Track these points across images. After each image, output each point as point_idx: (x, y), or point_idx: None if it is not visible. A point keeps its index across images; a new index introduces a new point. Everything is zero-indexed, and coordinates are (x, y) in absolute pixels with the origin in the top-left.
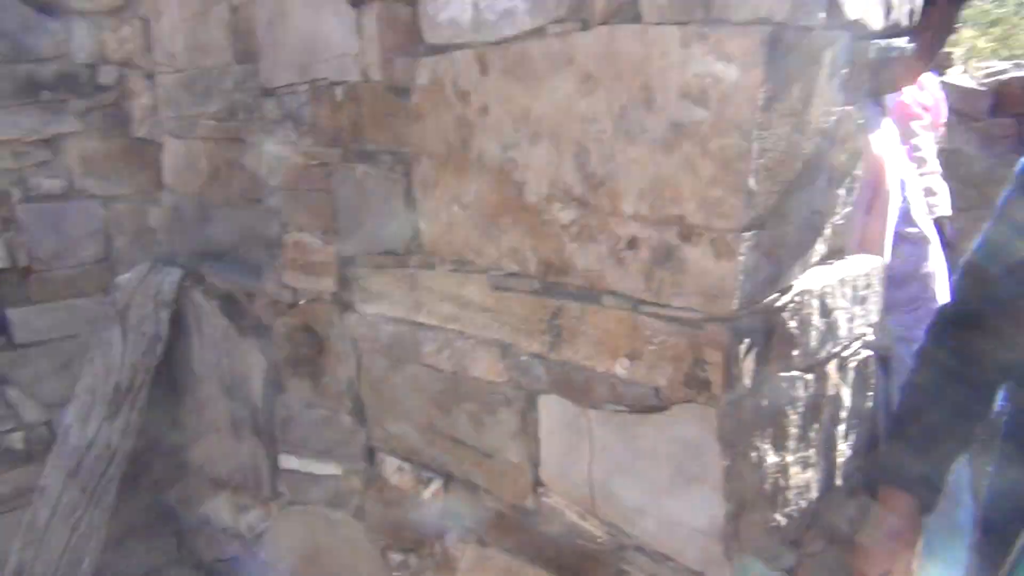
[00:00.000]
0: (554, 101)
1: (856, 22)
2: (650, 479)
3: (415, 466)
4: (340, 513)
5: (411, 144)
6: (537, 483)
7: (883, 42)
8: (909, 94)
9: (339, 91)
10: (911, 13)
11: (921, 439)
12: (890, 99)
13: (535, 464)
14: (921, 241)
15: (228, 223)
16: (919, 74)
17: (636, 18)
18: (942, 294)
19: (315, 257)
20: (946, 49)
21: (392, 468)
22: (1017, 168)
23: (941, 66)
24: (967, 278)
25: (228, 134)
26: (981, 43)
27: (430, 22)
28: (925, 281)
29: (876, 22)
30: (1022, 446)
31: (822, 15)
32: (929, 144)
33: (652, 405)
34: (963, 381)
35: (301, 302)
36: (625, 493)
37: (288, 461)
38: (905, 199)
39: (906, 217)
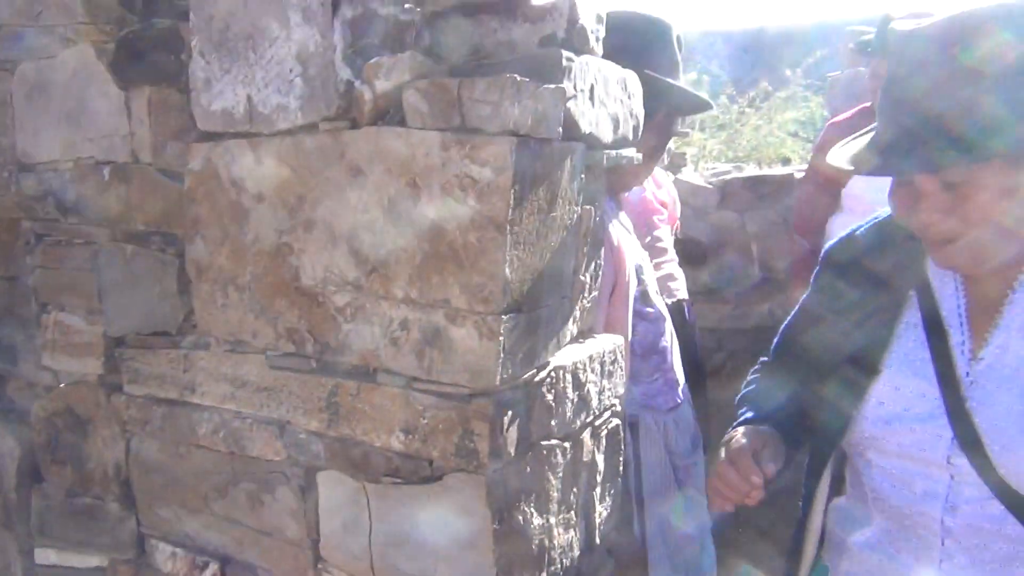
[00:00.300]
0: (328, 191)
1: (590, 135)
2: (427, 547)
3: (189, 551)
4: None
5: (184, 226)
6: (317, 559)
7: (614, 152)
8: (650, 192)
9: (106, 171)
10: (636, 128)
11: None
12: (634, 196)
13: (315, 540)
14: (658, 319)
15: None
16: (646, 176)
17: (402, 122)
18: (678, 366)
19: (79, 338)
20: (681, 151)
21: (165, 555)
22: (823, 251)
23: (676, 165)
24: (784, 339)
25: None
26: (711, 144)
27: (203, 111)
28: (663, 354)
29: (607, 136)
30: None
31: (560, 129)
32: (667, 235)
33: (427, 476)
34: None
35: (63, 384)
36: (404, 563)
37: (45, 555)
38: (642, 282)
39: (643, 298)
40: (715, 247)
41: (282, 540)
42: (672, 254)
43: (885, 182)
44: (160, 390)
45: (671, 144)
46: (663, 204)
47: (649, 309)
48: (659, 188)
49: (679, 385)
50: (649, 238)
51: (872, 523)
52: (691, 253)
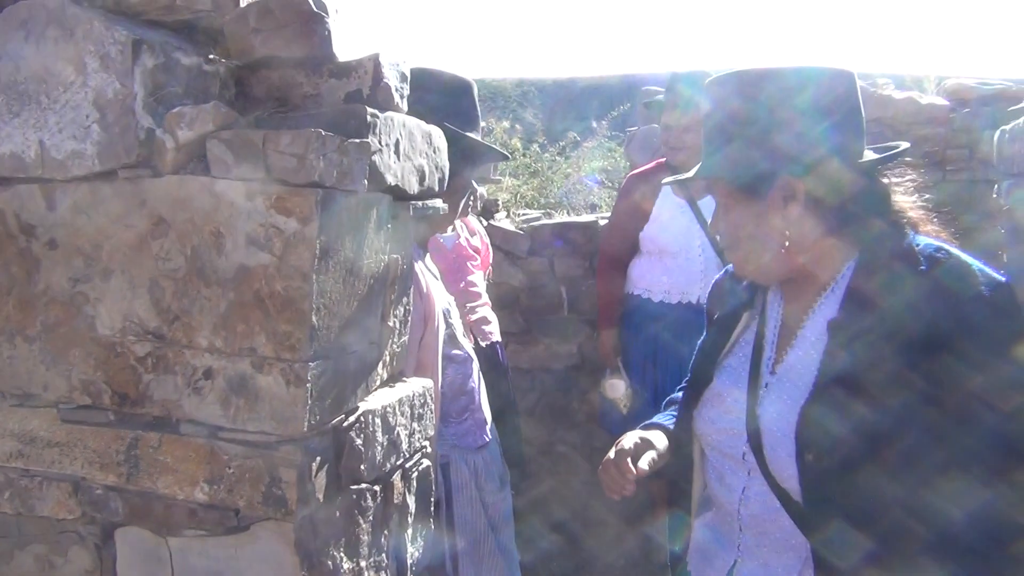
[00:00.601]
0: (127, 240)
1: (396, 187)
2: None
3: None
4: None
5: None
6: None
7: (420, 202)
8: (463, 238)
9: None
10: (441, 180)
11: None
12: (448, 243)
13: None
14: (466, 361)
15: None
16: (449, 224)
17: (206, 171)
18: (485, 406)
19: None
20: (495, 197)
21: None
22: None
23: (489, 211)
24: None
25: None
26: (524, 190)
27: None
28: (471, 395)
29: (413, 187)
30: None
31: (365, 182)
32: (481, 280)
33: (233, 526)
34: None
35: None
36: None
37: None
38: (450, 325)
39: (451, 341)
40: (526, 291)
41: None
42: (485, 298)
43: (675, 226)
44: None
45: (483, 191)
46: (476, 250)
47: (457, 352)
48: (472, 235)
49: (487, 424)
50: (463, 283)
51: (711, 508)
52: (505, 297)
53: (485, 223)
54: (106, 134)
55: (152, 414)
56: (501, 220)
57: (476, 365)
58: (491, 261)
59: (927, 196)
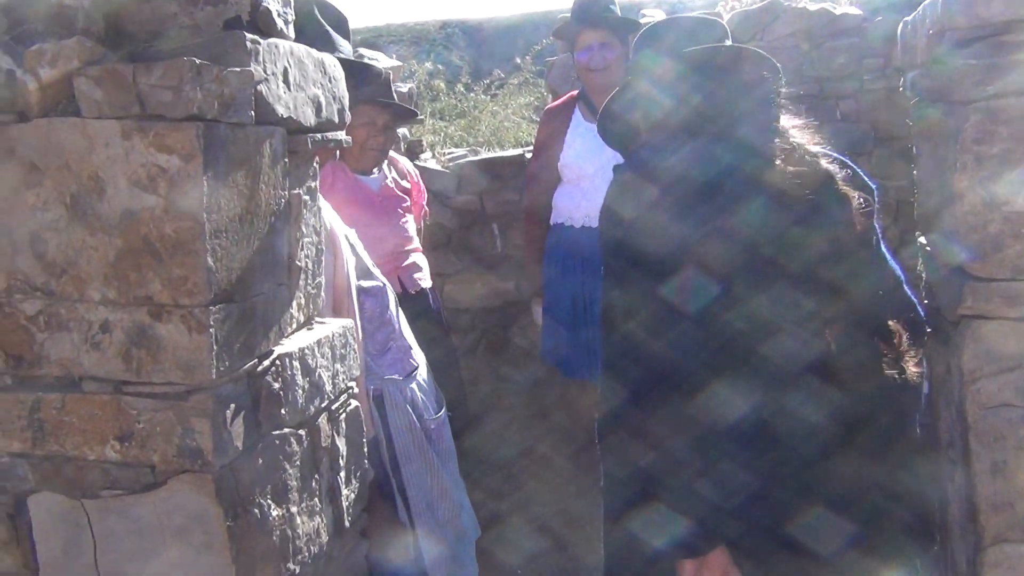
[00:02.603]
0: (0, 192)
1: (289, 119)
2: (159, 557)
3: None
4: None
5: None
6: None
7: (319, 135)
8: (391, 180)
9: None
10: (341, 111)
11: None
12: (373, 184)
13: (34, 571)
14: (380, 291)
15: None
16: (381, 162)
17: (76, 112)
18: (407, 331)
19: None
20: (419, 138)
21: None
22: None
23: (414, 152)
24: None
25: None
26: (451, 131)
27: None
28: (391, 324)
29: (309, 119)
30: None
31: (252, 113)
32: (411, 224)
33: (149, 483)
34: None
35: None
36: None
37: None
38: (358, 256)
39: (364, 273)
40: (458, 230)
41: None
42: (416, 243)
43: (589, 150)
44: None
45: (406, 131)
46: (406, 192)
47: (370, 283)
48: (403, 177)
49: (412, 349)
50: (391, 227)
51: None
52: (437, 237)
53: (414, 165)
54: None
55: (52, 374)
56: (427, 160)
57: (391, 291)
58: (424, 203)
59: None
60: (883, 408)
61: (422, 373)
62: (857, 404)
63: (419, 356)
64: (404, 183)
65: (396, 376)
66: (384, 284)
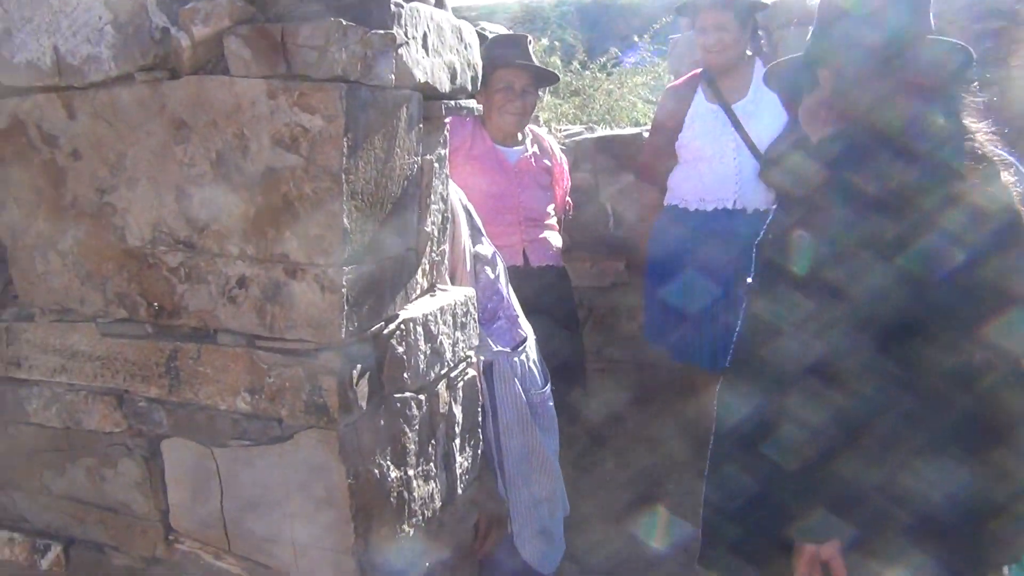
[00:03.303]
0: (150, 146)
1: (426, 84)
2: (281, 508)
3: (28, 535)
4: None
5: None
6: (168, 531)
7: (452, 102)
8: (530, 155)
9: None
10: (474, 79)
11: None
12: (512, 158)
13: (164, 512)
14: (493, 260)
15: None
16: (520, 128)
17: (225, 70)
18: (515, 301)
19: None
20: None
21: (1, 542)
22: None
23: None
24: (903, 287)
25: None
26: (564, 108)
27: (5, 63)
28: (501, 294)
29: (444, 85)
30: None
31: (392, 76)
32: (544, 200)
33: (276, 436)
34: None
35: None
36: (259, 526)
37: None
38: (474, 224)
39: (477, 237)
40: (571, 208)
41: (129, 515)
42: (552, 221)
43: (708, 131)
44: None
45: None
46: (546, 170)
47: (484, 250)
48: (545, 155)
49: (519, 318)
50: (522, 200)
51: None
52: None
53: (557, 141)
54: (120, 35)
55: (189, 325)
56: (552, 140)
57: (500, 261)
58: (567, 187)
59: None
60: None
61: (530, 345)
62: None
63: (527, 328)
64: (546, 161)
65: (505, 348)
66: (495, 253)
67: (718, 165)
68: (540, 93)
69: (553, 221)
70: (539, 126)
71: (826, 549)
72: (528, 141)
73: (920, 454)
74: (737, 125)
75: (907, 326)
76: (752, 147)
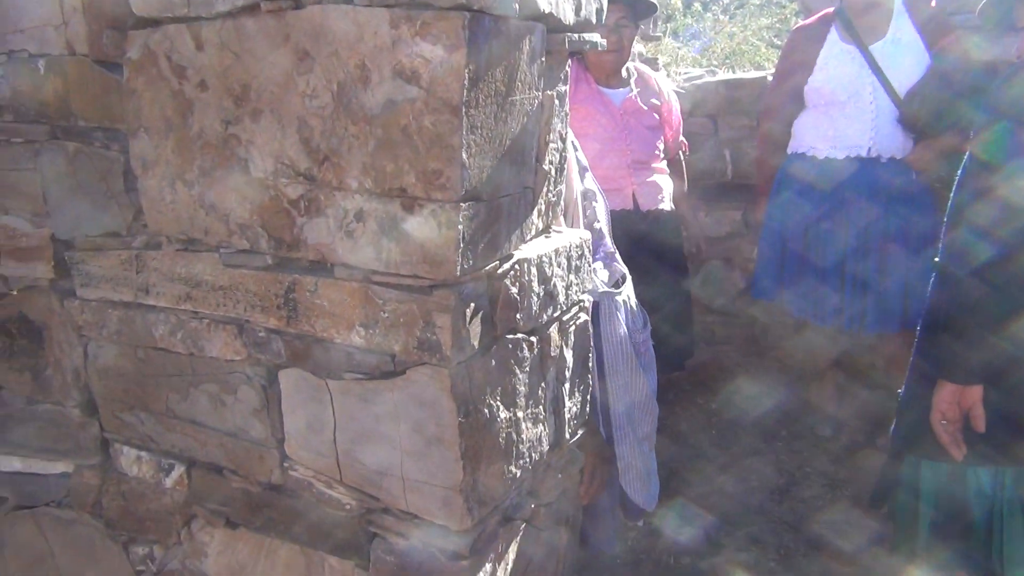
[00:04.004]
0: (274, 77)
1: (550, 15)
2: (392, 442)
3: (154, 454)
4: (74, 512)
5: (126, 121)
6: (283, 458)
7: (575, 35)
8: (635, 95)
9: (41, 64)
10: (599, 12)
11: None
12: (617, 99)
13: (280, 439)
14: (595, 196)
15: None
16: (619, 66)
17: (348, 0)
18: (610, 239)
19: (26, 242)
20: (653, 56)
21: (130, 459)
22: (960, 171)
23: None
24: (938, 286)
25: None
26: (684, 52)
27: None
28: (600, 232)
29: (568, 17)
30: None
31: (516, 6)
32: (651, 144)
33: (389, 371)
34: None
35: (13, 291)
36: (369, 458)
37: (10, 463)
38: (579, 160)
39: (583, 175)
40: (688, 154)
41: (247, 440)
42: (662, 163)
43: (843, 73)
44: (114, 293)
45: (641, 48)
46: (655, 110)
47: (589, 186)
48: (652, 95)
49: (615, 255)
50: (627, 143)
51: None
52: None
53: (669, 82)
54: None
55: (307, 258)
56: (660, 79)
57: (602, 196)
58: (676, 127)
59: None
60: None
61: (629, 284)
62: None
63: (623, 267)
64: (654, 100)
65: (608, 287)
66: (598, 190)
67: (852, 110)
68: (640, 26)
69: (663, 164)
70: (657, 69)
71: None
72: (633, 81)
73: None
74: (875, 66)
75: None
76: (891, 90)
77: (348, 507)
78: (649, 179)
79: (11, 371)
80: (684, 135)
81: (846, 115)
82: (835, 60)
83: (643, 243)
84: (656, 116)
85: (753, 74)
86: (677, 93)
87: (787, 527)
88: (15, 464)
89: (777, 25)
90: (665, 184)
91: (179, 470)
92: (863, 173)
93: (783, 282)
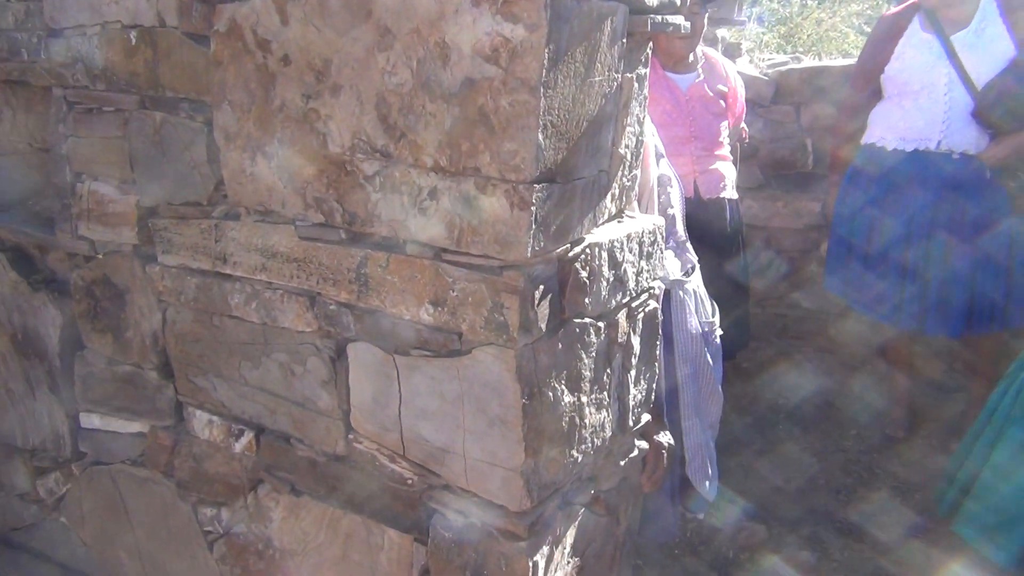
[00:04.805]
0: (354, 53)
1: None
2: (455, 420)
3: (225, 419)
4: (147, 471)
5: (211, 92)
6: (348, 429)
7: (659, 17)
8: (702, 80)
9: (133, 35)
10: None
11: None
12: (683, 84)
13: (346, 411)
14: (668, 182)
15: (15, 171)
16: (689, 51)
17: None
18: (682, 227)
19: (113, 208)
20: (736, 41)
21: (202, 423)
22: None
23: (731, 56)
24: None
25: (11, 76)
26: (768, 38)
27: None
28: (672, 220)
29: None
30: None
31: None
32: (716, 130)
33: (455, 349)
34: None
35: (99, 255)
36: (432, 435)
37: (90, 420)
38: (656, 146)
39: (659, 162)
40: (768, 142)
41: (314, 411)
42: (726, 151)
43: (918, 62)
44: (193, 260)
45: (725, 33)
46: (722, 96)
47: (665, 173)
48: (719, 81)
49: (687, 243)
50: (692, 129)
51: None
52: (742, 148)
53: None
54: None
55: (380, 234)
56: (743, 65)
57: (676, 183)
58: (739, 111)
59: None
60: None
61: (699, 274)
62: None
63: (694, 256)
64: (720, 86)
65: (679, 275)
66: (671, 176)
67: (925, 100)
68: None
69: (726, 151)
70: (741, 53)
71: None
72: (700, 66)
73: None
74: (953, 57)
75: None
76: (969, 82)
77: (410, 481)
78: (711, 167)
79: (95, 332)
80: (766, 123)
81: (919, 106)
82: (912, 49)
83: (702, 232)
84: (722, 103)
85: (840, 62)
86: (760, 79)
87: (846, 528)
88: (95, 421)
89: (868, 12)
90: (728, 171)
91: (248, 436)
92: (930, 168)
93: (848, 278)
